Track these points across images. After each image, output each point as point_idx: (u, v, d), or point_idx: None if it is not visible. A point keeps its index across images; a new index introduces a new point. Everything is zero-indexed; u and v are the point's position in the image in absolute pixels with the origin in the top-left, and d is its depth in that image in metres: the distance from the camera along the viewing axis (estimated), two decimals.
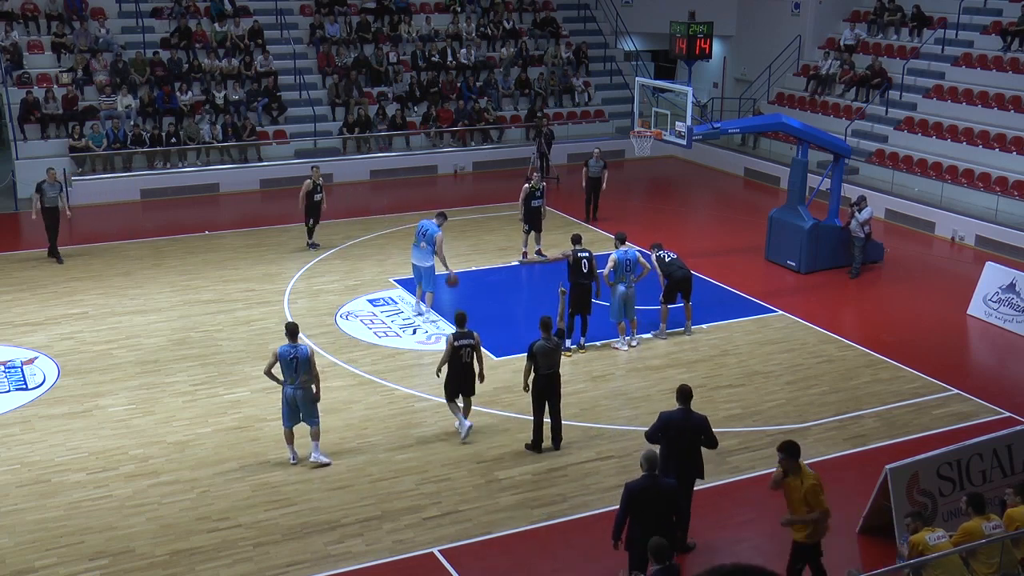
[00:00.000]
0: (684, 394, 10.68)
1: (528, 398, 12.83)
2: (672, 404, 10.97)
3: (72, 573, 10.37)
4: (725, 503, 11.84)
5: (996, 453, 11.21)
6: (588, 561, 10.73)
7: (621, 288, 15.57)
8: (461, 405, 13.10)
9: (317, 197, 20.19)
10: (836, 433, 13.45)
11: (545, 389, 12.61)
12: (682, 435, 10.50)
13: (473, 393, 13.17)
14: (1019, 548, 9.58)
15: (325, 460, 12.43)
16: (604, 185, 22.80)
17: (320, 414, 12.46)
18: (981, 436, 11.71)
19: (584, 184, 22.88)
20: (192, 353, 15.61)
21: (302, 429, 12.42)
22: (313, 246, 20.58)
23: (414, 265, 17.07)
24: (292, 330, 12.42)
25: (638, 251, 16.13)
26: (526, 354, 12.62)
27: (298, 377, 12.15)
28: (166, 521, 11.23)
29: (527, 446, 12.79)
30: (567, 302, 14.36)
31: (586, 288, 15.45)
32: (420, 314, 17.07)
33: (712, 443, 10.74)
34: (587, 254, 15.56)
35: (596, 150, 23.25)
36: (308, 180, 20.22)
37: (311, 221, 20.40)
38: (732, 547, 11.01)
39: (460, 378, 12.91)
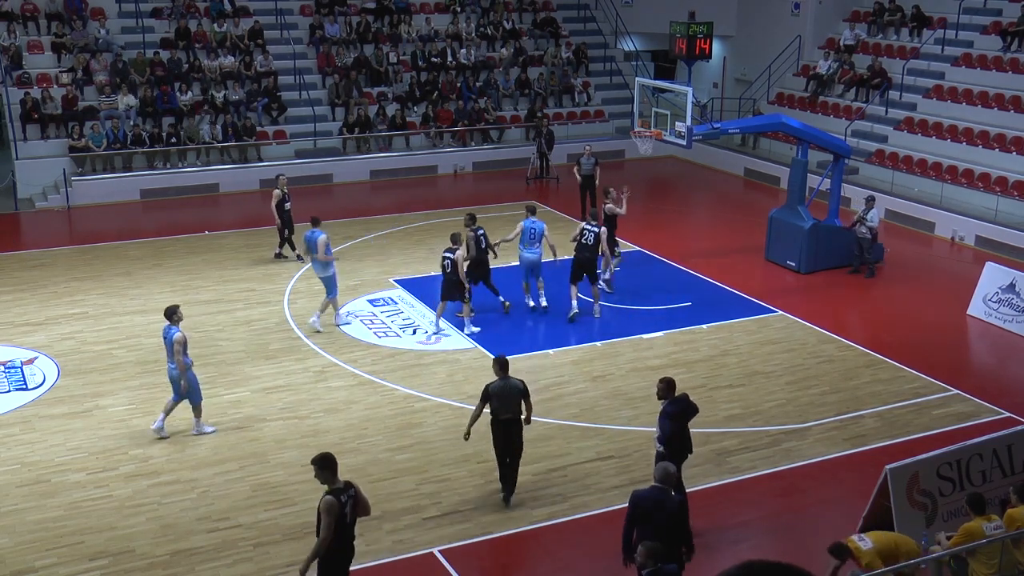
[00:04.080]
0: (671, 385, 10.87)
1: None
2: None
3: (72, 573, 10.37)
4: (725, 503, 11.83)
5: (996, 453, 11.20)
6: (588, 561, 10.74)
7: (528, 255, 16.94)
8: (443, 306, 16.18)
9: (288, 206, 19.44)
10: (836, 433, 13.45)
11: (503, 437, 11.44)
12: (681, 420, 10.83)
13: (451, 299, 16.19)
14: (1019, 548, 9.57)
15: (209, 430, 13.13)
16: (598, 182, 22.80)
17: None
18: (981, 436, 11.70)
19: (579, 183, 22.89)
20: (192, 353, 15.46)
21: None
22: (285, 256, 19.83)
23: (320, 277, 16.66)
24: (167, 312, 12.93)
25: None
26: (480, 396, 11.47)
27: (171, 358, 12.75)
28: (166, 521, 11.23)
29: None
30: (469, 276, 16.31)
31: (482, 261, 16.66)
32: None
33: (695, 409, 11.03)
34: (482, 231, 16.77)
35: (587, 148, 23.23)
36: (276, 191, 19.48)
37: (288, 232, 19.66)
38: (732, 547, 11.00)
39: (442, 283, 16.16)
